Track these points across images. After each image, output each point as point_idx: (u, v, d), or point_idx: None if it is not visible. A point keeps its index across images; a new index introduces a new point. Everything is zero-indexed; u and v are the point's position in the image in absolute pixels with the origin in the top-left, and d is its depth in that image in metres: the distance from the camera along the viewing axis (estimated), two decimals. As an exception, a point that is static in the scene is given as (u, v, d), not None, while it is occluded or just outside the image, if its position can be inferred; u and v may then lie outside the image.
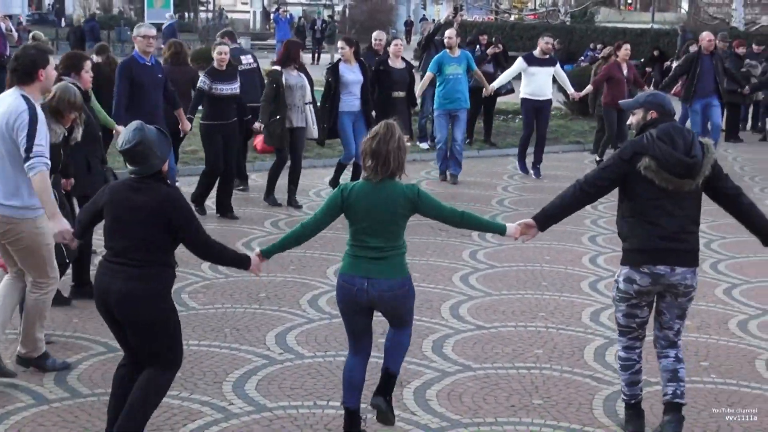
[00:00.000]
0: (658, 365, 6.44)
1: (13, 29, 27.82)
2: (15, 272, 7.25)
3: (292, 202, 13.68)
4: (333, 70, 14.16)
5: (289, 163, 13.65)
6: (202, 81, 12.73)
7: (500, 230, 6.36)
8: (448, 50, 15.85)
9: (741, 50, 21.69)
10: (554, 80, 17.43)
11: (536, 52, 16.73)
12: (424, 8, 71.57)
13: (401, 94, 14.89)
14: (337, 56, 16.03)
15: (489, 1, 58.48)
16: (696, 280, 6.28)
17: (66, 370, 7.32)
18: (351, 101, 13.94)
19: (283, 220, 12.84)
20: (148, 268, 5.73)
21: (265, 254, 6.32)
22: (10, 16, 32.73)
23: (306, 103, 13.45)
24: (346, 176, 14.07)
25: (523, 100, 16.72)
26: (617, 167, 6.19)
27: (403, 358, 6.38)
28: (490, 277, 10.18)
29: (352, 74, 13.96)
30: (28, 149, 6.56)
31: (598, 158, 17.41)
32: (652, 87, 22.42)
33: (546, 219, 6.45)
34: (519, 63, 16.72)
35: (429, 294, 9.53)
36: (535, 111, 16.69)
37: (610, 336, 8.17)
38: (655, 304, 6.40)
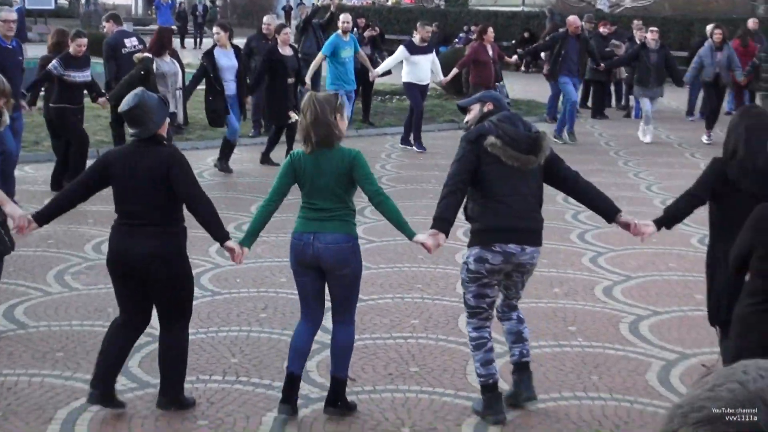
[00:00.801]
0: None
1: None
2: None
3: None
4: (208, 55, 14.21)
5: None
6: (54, 66, 12.51)
7: (409, 235, 6.38)
8: (342, 34, 16.04)
9: (604, 30, 22.14)
10: None
11: (416, 40, 16.96)
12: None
13: (292, 80, 14.96)
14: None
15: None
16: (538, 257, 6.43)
17: None
18: (227, 85, 14.03)
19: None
20: (167, 227, 6.09)
21: (247, 245, 6.41)
22: None
23: (177, 89, 13.54)
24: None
25: (408, 84, 16.90)
26: (469, 152, 6.21)
27: (349, 362, 6.42)
28: (369, 251, 10.20)
29: (227, 59, 14.07)
30: None
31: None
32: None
33: (442, 222, 6.31)
34: (401, 51, 16.95)
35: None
36: (421, 95, 17.07)
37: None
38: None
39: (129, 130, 6.23)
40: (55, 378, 6.63)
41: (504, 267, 6.18)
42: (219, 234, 6.31)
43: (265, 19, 16.89)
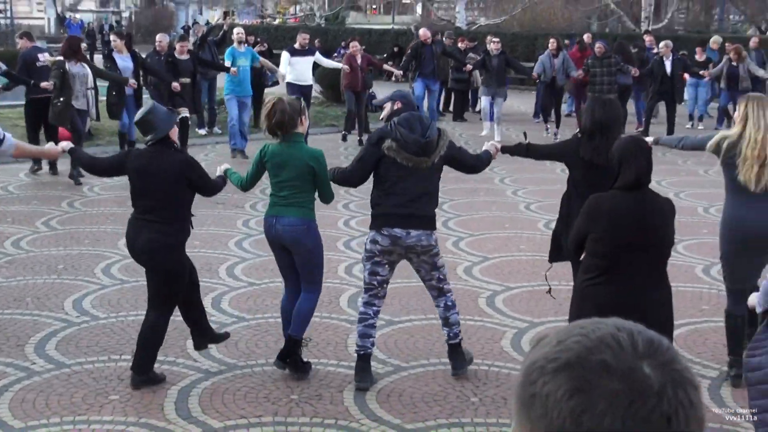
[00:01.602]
0: None
1: None
2: None
3: (72, 176, 13.55)
4: (108, 58, 14.51)
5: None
6: None
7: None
8: (237, 45, 16.12)
9: (462, 45, 22.49)
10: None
11: (296, 45, 17.10)
12: (201, 13, 70.25)
13: (187, 79, 15.18)
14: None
15: (256, 7, 58.13)
16: (433, 239, 6.41)
17: None
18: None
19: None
20: (170, 224, 6.21)
21: (228, 174, 6.89)
22: None
23: (88, 89, 13.55)
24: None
25: (288, 84, 16.83)
26: (370, 152, 6.33)
27: (305, 326, 6.53)
28: (261, 241, 10.11)
29: (123, 62, 14.30)
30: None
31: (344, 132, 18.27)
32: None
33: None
34: (284, 55, 17.06)
35: (209, 258, 9.47)
36: (301, 94, 16.76)
37: (361, 285, 8.33)
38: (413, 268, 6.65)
39: (144, 137, 6.48)
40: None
41: (394, 248, 6.31)
42: (223, 184, 6.85)
43: (158, 37, 16.65)
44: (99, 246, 10.11)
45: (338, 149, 17.06)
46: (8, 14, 63.27)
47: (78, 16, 57.76)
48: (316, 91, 20.38)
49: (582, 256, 5.31)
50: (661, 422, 1.11)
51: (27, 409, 5.93)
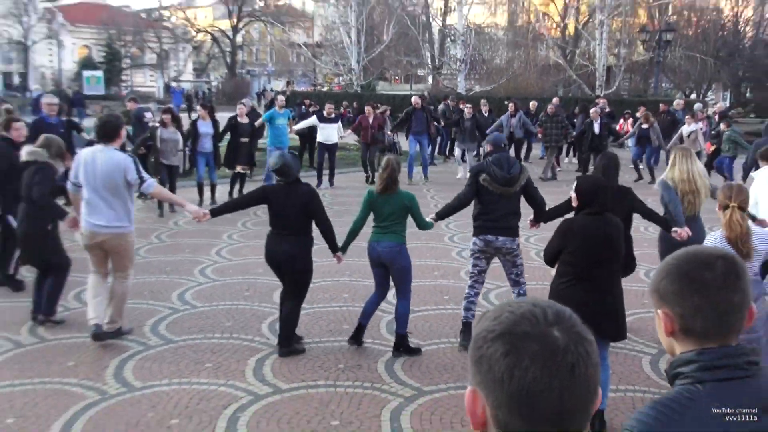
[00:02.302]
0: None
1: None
2: (101, 272, 6.70)
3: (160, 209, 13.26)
4: (193, 124, 13.97)
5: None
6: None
7: (425, 225, 6.76)
8: (278, 108, 15.94)
9: (462, 106, 22.20)
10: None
11: (325, 113, 16.84)
12: (269, 82, 70.74)
13: (246, 139, 14.60)
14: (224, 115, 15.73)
15: (310, 77, 58.54)
16: (515, 244, 6.67)
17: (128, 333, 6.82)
18: (204, 145, 13.85)
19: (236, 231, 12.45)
20: (301, 236, 6.30)
21: (343, 252, 6.67)
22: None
23: (179, 150, 13.42)
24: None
25: (319, 143, 16.76)
26: (471, 182, 6.66)
27: (406, 323, 6.49)
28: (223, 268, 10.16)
29: (205, 128, 13.88)
30: (141, 178, 6.44)
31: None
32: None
33: (441, 215, 6.86)
34: (314, 119, 16.92)
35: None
36: (327, 149, 16.73)
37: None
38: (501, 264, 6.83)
39: (278, 178, 6.38)
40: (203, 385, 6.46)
41: (487, 249, 6.67)
42: (332, 246, 6.53)
43: (244, 101, 16.59)
44: (197, 253, 10.17)
45: (360, 183, 16.96)
46: (129, 83, 64.09)
47: (180, 84, 58.42)
48: (354, 140, 20.24)
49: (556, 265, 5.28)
50: (567, 369, 1.20)
51: (144, 374, 5.97)
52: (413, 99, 19.04)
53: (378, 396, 5.60)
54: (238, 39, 68.76)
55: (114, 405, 5.37)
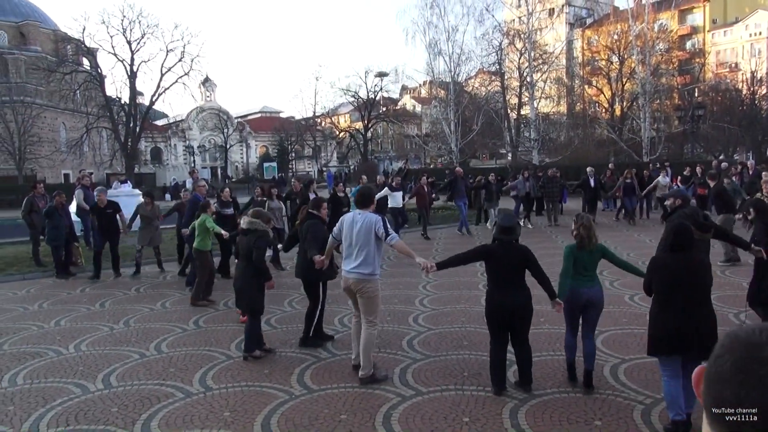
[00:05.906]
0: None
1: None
2: (358, 316, 6.00)
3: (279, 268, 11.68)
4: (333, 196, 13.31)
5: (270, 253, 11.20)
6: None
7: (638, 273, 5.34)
8: (394, 184, 15.53)
9: (539, 173, 21.01)
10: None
11: (393, 184, 15.78)
12: (391, 163, 71.89)
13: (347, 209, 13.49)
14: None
15: (420, 159, 59.15)
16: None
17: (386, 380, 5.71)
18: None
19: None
20: (523, 287, 5.16)
21: (561, 300, 5.21)
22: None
23: (282, 216, 12.34)
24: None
25: (391, 208, 15.25)
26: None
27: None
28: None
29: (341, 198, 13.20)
30: (387, 233, 5.65)
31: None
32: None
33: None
34: (386, 189, 15.09)
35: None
36: (399, 213, 15.62)
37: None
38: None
39: (500, 236, 5.27)
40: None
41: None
42: (549, 292, 5.19)
43: (378, 177, 16.45)
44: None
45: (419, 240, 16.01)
46: (293, 169, 66.68)
47: (329, 168, 60.33)
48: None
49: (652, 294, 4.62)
50: None
51: (319, 379, 5.80)
52: (457, 169, 18.26)
53: (497, 398, 5.22)
54: (369, 134, 70.55)
55: (299, 403, 5.25)
